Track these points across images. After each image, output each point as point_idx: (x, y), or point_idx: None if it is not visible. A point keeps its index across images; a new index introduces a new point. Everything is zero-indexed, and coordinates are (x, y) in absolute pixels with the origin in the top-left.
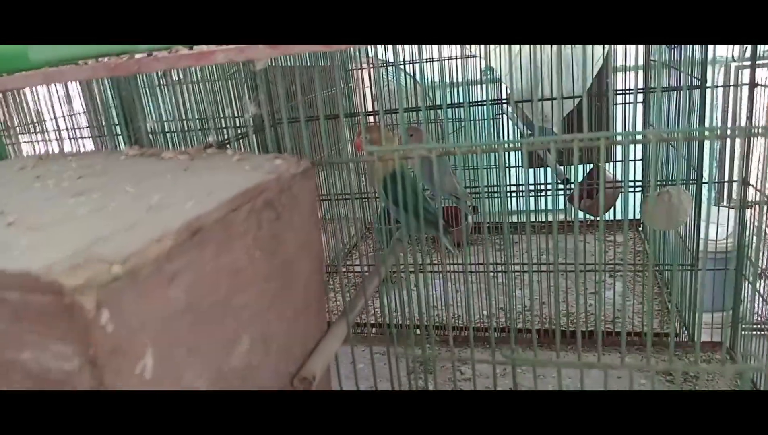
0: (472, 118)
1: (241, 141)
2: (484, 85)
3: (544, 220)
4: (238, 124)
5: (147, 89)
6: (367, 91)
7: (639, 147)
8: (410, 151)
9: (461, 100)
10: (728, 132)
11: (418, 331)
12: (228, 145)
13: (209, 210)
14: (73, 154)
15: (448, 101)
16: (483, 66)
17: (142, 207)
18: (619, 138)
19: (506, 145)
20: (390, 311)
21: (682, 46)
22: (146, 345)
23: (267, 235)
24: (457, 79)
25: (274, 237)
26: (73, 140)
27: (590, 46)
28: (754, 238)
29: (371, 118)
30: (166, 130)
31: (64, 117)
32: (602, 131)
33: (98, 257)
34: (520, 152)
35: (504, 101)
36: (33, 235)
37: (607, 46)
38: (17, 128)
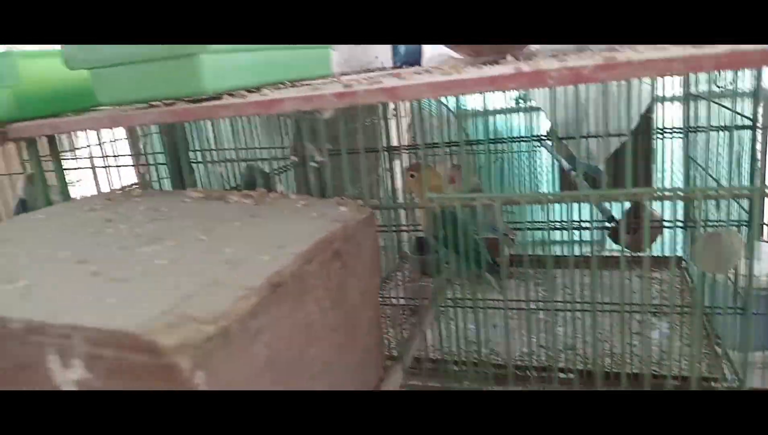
0: (510, 151)
1: (286, 174)
2: (519, 116)
3: (582, 254)
4: (283, 156)
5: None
6: (404, 121)
7: (681, 182)
8: (472, 199)
9: (496, 131)
10: None
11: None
12: (276, 177)
13: (286, 264)
14: (139, 195)
15: (481, 131)
16: (517, 94)
17: (219, 259)
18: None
19: (572, 196)
20: (448, 345)
21: (727, 77)
22: None
23: (334, 285)
24: (484, 108)
25: (341, 286)
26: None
27: (637, 82)
28: None
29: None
30: (208, 159)
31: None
32: (648, 187)
33: (191, 317)
34: (558, 184)
35: (543, 137)
36: (119, 288)
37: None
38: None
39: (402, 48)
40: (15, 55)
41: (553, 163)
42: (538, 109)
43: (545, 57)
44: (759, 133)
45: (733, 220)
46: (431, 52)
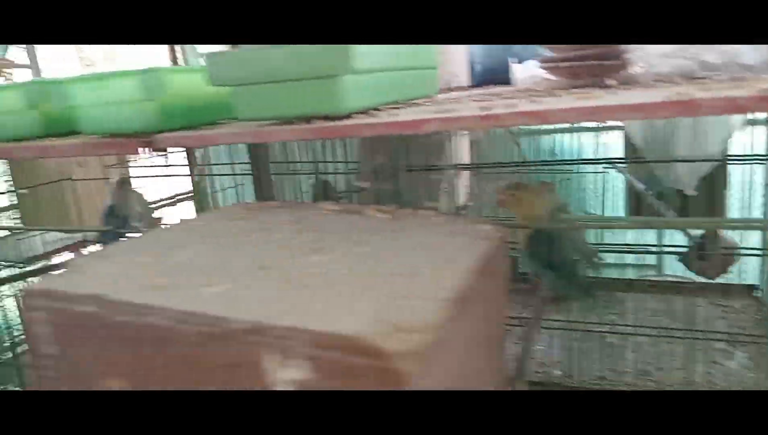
0: (577, 171)
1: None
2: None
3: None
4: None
5: None
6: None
7: (759, 211)
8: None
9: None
10: None
11: None
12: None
13: (460, 279)
14: (277, 206)
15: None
16: None
17: (391, 271)
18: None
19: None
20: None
21: None
22: None
23: (481, 300)
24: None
25: (485, 302)
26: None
27: None
28: None
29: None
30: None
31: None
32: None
33: (406, 326)
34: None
35: (616, 159)
36: (317, 294)
37: None
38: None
39: (479, 67)
40: (161, 71)
41: (607, 184)
42: (603, 128)
43: (648, 82)
44: None
45: None
46: (522, 73)
